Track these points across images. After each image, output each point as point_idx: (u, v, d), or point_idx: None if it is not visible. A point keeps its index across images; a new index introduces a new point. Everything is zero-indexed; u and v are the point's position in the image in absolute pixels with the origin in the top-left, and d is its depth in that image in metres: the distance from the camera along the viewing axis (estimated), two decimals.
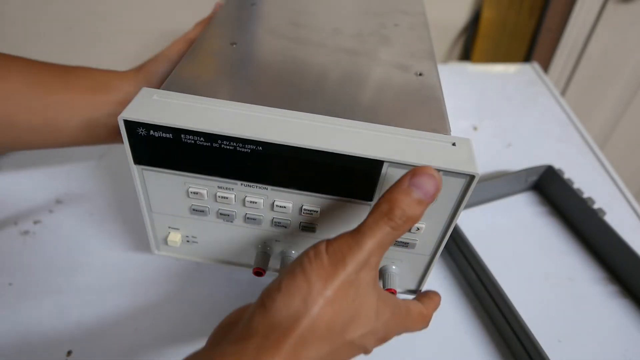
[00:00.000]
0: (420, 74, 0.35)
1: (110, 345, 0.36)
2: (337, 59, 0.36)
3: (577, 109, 0.70)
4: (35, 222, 0.44)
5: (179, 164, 0.29)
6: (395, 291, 0.32)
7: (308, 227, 0.31)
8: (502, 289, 0.38)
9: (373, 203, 0.29)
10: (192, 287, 0.40)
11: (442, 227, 0.30)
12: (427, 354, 0.37)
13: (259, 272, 0.33)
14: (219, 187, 0.30)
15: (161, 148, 0.28)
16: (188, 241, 0.35)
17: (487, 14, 0.94)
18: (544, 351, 0.34)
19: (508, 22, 0.94)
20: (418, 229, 0.30)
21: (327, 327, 0.23)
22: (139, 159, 0.29)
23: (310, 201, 0.30)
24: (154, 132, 0.27)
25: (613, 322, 0.40)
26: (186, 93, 0.29)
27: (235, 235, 0.33)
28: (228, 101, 0.28)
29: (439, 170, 0.26)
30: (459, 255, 0.43)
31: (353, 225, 0.25)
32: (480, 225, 0.48)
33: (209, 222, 0.33)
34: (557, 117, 0.66)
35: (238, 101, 0.28)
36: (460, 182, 0.27)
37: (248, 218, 0.31)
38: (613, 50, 0.94)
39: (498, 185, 0.50)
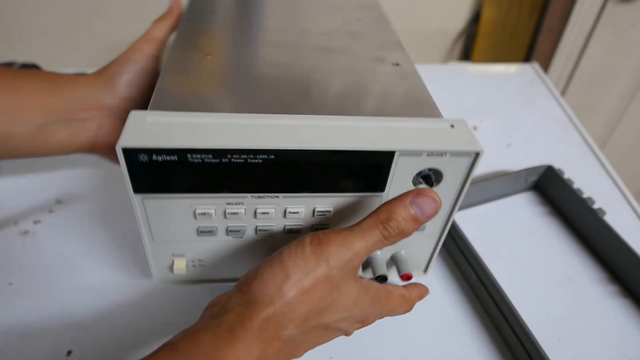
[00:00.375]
0: (397, 64, 0.36)
1: (110, 345, 0.36)
2: (316, 58, 0.36)
3: (577, 109, 0.70)
4: (35, 222, 0.44)
5: (185, 186, 0.27)
6: (411, 275, 0.33)
7: (320, 228, 0.31)
8: (502, 289, 0.38)
9: (384, 194, 0.29)
10: (192, 287, 0.40)
11: (449, 207, 0.31)
12: (427, 353, 0.37)
13: None
14: (227, 204, 0.28)
15: (165, 172, 0.26)
16: (194, 266, 0.33)
17: (487, 14, 0.95)
18: (544, 351, 0.34)
19: (508, 22, 0.94)
20: None
21: (302, 314, 0.24)
22: (140, 188, 0.27)
23: (323, 202, 0.29)
24: (157, 156, 0.25)
25: (613, 322, 0.40)
26: (176, 110, 0.27)
27: (244, 250, 0.32)
28: (227, 113, 0.27)
29: (445, 153, 0.27)
30: (459, 255, 0.43)
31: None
32: (480, 225, 0.48)
33: (217, 241, 0.31)
34: (557, 117, 0.66)
35: (234, 112, 0.27)
36: (467, 161, 0.28)
37: (259, 230, 0.30)
38: (613, 50, 0.94)
39: (498, 185, 0.50)
